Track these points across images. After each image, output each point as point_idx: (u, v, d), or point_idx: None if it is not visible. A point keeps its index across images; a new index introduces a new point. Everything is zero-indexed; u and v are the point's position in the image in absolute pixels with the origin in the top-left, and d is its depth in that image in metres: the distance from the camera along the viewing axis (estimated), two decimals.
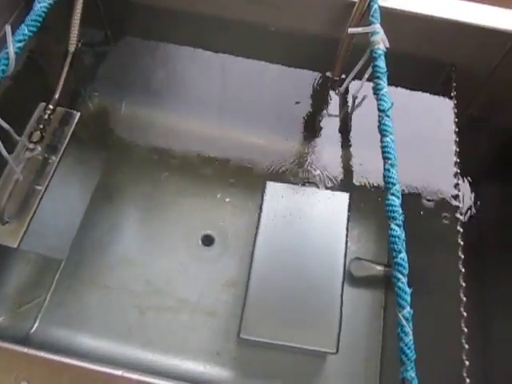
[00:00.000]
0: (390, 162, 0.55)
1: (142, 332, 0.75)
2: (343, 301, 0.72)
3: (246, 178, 0.89)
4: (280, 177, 0.88)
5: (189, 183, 0.88)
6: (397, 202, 0.53)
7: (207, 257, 0.82)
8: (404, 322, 0.46)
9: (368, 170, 0.89)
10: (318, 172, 0.89)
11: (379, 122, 0.59)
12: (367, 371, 0.75)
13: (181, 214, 0.85)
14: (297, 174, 0.89)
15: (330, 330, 0.70)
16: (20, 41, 0.61)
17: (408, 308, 0.47)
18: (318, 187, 0.87)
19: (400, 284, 0.48)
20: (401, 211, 0.52)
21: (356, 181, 0.89)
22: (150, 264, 0.80)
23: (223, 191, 0.87)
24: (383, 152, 0.57)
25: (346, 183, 0.89)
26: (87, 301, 0.77)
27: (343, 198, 0.85)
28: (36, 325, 0.75)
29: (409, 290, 0.48)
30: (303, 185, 0.87)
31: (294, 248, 0.80)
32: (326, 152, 0.91)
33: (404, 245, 0.50)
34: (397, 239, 0.50)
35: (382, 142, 0.58)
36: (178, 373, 0.73)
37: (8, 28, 0.58)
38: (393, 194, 0.53)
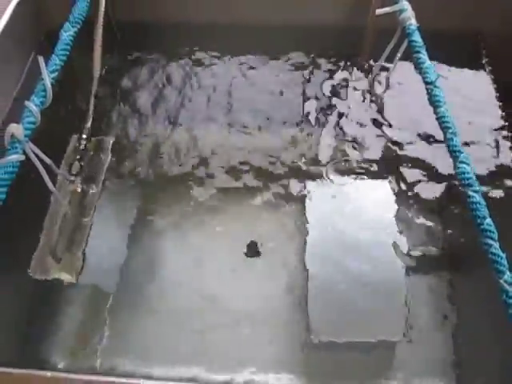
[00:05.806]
0: (450, 131, 0.54)
1: (205, 352, 0.72)
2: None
3: (283, 180, 0.87)
4: (318, 174, 0.86)
5: (226, 193, 0.86)
6: (468, 168, 0.51)
7: (256, 265, 0.79)
8: (507, 287, 0.44)
9: (406, 154, 0.88)
10: (356, 163, 0.87)
11: (429, 94, 0.58)
12: (441, 354, 0.72)
13: (223, 226, 0.83)
14: (334, 167, 0.87)
15: (398, 318, 0.69)
16: (53, 71, 0.60)
17: (508, 272, 0.45)
18: (357, 178, 0.86)
19: (493, 250, 0.46)
20: (475, 177, 0.51)
21: (394, 165, 0.87)
22: (201, 281, 0.78)
23: (262, 196, 0.86)
24: (441, 123, 0.55)
25: (384, 169, 0.87)
26: (144, 329, 0.74)
27: (384, 185, 0.84)
28: (98, 363, 0.72)
29: (503, 254, 0.46)
30: (343, 177, 0.86)
31: (347, 242, 0.77)
32: (363, 142, 0.89)
33: (487, 210, 0.48)
34: (478, 205, 0.48)
35: (436, 113, 0.57)
36: None
37: (41, 59, 0.58)
38: (462, 162, 0.51)
